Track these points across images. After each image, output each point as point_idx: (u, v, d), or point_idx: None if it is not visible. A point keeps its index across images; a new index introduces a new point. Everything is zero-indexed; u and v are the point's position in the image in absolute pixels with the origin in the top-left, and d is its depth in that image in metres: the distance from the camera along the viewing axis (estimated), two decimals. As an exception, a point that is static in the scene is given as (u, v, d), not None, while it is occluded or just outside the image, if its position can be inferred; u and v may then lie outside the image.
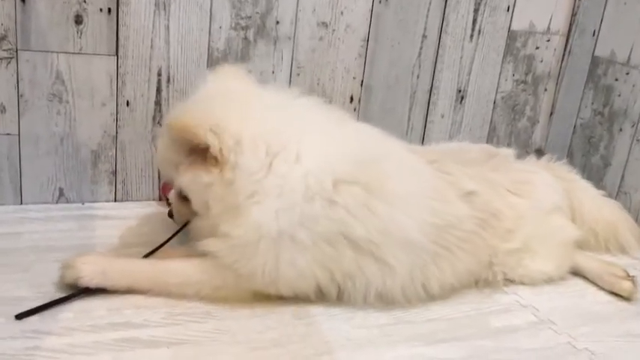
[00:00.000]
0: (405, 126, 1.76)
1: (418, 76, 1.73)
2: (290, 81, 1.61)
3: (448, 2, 1.69)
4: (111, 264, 1.13)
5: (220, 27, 1.50)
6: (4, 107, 1.39)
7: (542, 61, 1.86)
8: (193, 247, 1.18)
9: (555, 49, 1.86)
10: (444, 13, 1.70)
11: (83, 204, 1.52)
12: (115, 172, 1.53)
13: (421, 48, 1.71)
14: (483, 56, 1.78)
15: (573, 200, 1.49)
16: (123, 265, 1.14)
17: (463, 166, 1.31)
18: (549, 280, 1.34)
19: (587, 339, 1.15)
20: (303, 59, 1.60)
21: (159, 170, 1.56)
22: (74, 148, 1.47)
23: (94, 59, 1.42)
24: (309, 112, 1.20)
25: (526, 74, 1.86)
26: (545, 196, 1.37)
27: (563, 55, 1.87)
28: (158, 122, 1.52)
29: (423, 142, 1.78)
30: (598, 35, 1.80)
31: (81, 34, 1.39)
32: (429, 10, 1.68)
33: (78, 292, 1.09)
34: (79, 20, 1.38)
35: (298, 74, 1.61)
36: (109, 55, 1.43)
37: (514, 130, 1.91)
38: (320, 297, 1.16)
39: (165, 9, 1.44)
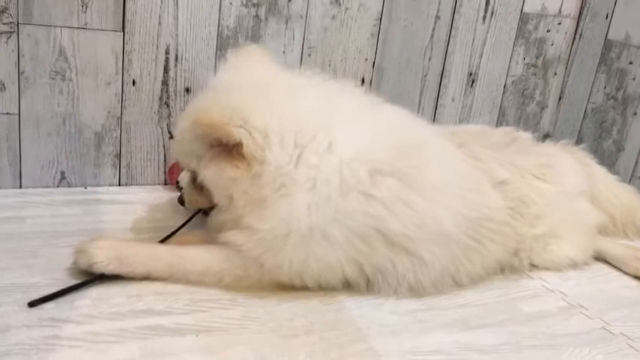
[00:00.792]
0: (416, 110, 1.71)
1: (430, 59, 1.69)
2: (301, 61, 1.55)
3: (462, -18, 1.65)
4: (126, 249, 1.06)
5: (231, 3, 1.43)
6: (3, 85, 1.31)
7: (552, 45, 1.83)
8: (210, 233, 1.13)
9: (566, 33, 1.83)
10: (457, -7, 1.66)
11: (85, 188, 1.44)
12: (119, 155, 1.46)
13: (434, 29, 1.66)
14: (495, 39, 1.75)
15: (591, 185, 1.46)
16: (139, 250, 1.08)
17: (490, 151, 1.27)
18: (574, 265, 1.32)
19: (621, 324, 1.13)
20: (315, 39, 1.54)
21: (164, 154, 1.50)
22: (77, 130, 1.40)
23: (99, 35, 1.35)
24: (339, 97, 1.13)
25: (537, 58, 1.82)
26: (570, 180, 1.35)
27: (574, 38, 1.84)
28: (165, 103, 1.46)
29: (433, 127, 1.74)
30: (611, 18, 1.77)
31: (86, 8, 1.32)
32: (442, -10, 1.64)
33: (93, 278, 1.03)
34: (84, -7, 1.31)
35: (309, 54, 1.55)
36: (115, 30, 1.36)
37: (523, 114, 1.88)
38: (347, 287, 1.10)
39: (174, -17, 1.37)
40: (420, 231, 1.07)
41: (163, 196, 1.46)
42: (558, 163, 1.37)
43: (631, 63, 1.71)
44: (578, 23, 1.83)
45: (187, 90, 1.46)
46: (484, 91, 1.79)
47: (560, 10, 1.79)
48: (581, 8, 1.82)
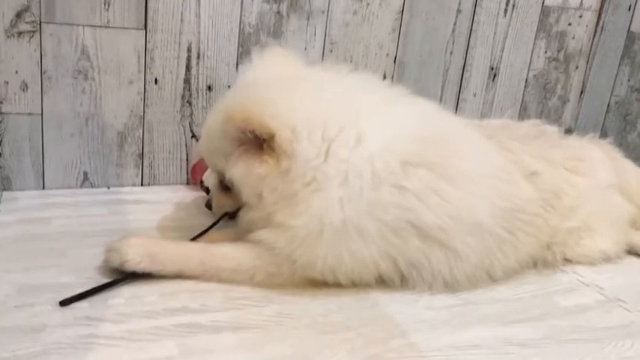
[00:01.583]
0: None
1: (452, 53, 1.67)
2: (322, 57, 1.53)
3: (483, -25, 1.64)
4: (158, 247, 1.05)
5: (253, -1, 1.42)
6: (26, 85, 1.30)
7: (574, 38, 1.81)
8: (238, 230, 1.12)
9: (587, 26, 1.81)
10: (478, -13, 1.64)
11: (109, 188, 1.43)
12: (141, 155, 1.44)
13: (455, 23, 1.65)
14: (517, 32, 1.73)
15: (620, 178, 1.44)
16: (171, 248, 1.06)
17: (519, 143, 1.25)
18: (607, 259, 1.29)
19: (662, 317, 1.10)
20: (337, 34, 1.53)
21: (187, 153, 1.48)
22: (99, 130, 1.38)
23: (121, 33, 1.33)
24: (364, 91, 1.11)
25: (558, 51, 1.80)
26: (601, 172, 1.32)
27: (595, 31, 1.82)
28: (187, 101, 1.44)
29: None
30: (634, 10, 1.75)
31: (108, 5, 1.30)
32: (464, -17, 1.62)
33: (124, 277, 1.01)
34: (106, -9, 1.30)
35: (331, 50, 1.54)
36: (138, 29, 1.35)
37: (544, 109, 1.86)
38: (380, 283, 1.09)
39: (196, -21, 1.36)
40: (454, 222, 1.05)
41: (186, 195, 1.44)
42: (588, 155, 1.34)
43: (656, 55, 1.69)
44: (599, 16, 1.81)
45: (209, 88, 1.45)
46: (505, 85, 1.77)
47: (581, 3, 1.77)
48: (603, 1, 1.80)
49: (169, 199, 1.40)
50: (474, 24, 1.67)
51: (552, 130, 1.44)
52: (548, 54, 1.79)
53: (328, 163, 1.00)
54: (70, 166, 1.39)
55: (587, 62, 1.85)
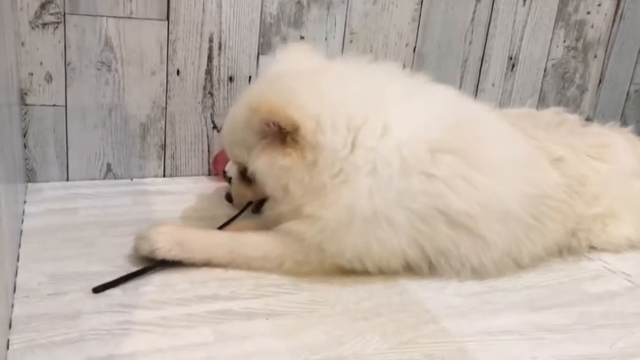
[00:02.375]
0: (457, 95, 1.69)
1: (470, 42, 1.67)
2: (342, 48, 1.53)
3: (502, -36, 1.63)
4: (187, 235, 1.05)
5: (274, -11, 1.42)
6: (50, 76, 1.30)
7: (592, 27, 1.80)
8: (264, 221, 1.12)
9: (606, 14, 1.80)
10: (498, -24, 1.64)
11: (132, 180, 1.44)
12: (164, 146, 1.45)
13: (474, 12, 1.64)
14: (535, 21, 1.72)
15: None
16: (200, 236, 1.06)
17: (542, 131, 1.25)
18: (632, 246, 1.29)
19: (690, 303, 1.10)
20: (357, 24, 1.53)
21: (208, 144, 1.48)
22: (122, 121, 1.39)
23: (144, 24, 1.34)
24: (387, 80, 1.11)
25: (577, 40, 1.80)
26: (624, 159, 1.32)
27: (614, 20, 1.81)
28: (209, 92, 1.44)
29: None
30: (654, -2, 1.75)
31: (131, -4, 1.31)
32: (483, -28, 1.62)
33: (154, 264, 1.01)
34: (129, -19, 1.30)
35: (351, 41, 1.54)
36: (160, 19, 1.35)
37: (563, 98, 1.85)
38: (408, 270, 1.09)
39: (218, -30, 1.36)
40: (482, 209, 1.05)
41: (208, 186, 1.44)
42: (612, 143, 1.34)
43: (676, 42, 1.68)
44: (618, 4, 1.80)
45: (231, 79, 1.45)
46: (524, 75, 1.77)
47: (600, -9, 1.77)
48: (622, -11, 1.79)
49: (191, 189, 1.41)
50: (493, 12, 1.66)
51: (573, 118, 1.43)
52: (567, 43, 1.78)
53: (355, 154, 1.00)
54: (94, 158, 1.39)
55: (606, 51, 1.84)
